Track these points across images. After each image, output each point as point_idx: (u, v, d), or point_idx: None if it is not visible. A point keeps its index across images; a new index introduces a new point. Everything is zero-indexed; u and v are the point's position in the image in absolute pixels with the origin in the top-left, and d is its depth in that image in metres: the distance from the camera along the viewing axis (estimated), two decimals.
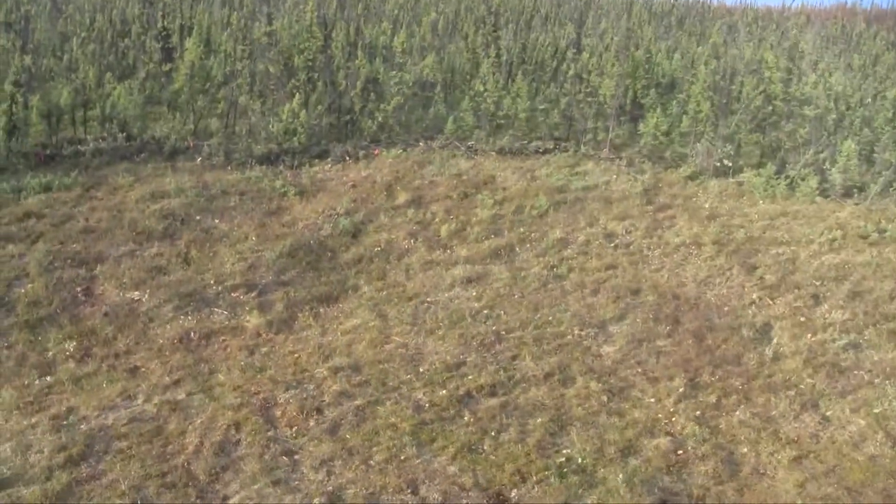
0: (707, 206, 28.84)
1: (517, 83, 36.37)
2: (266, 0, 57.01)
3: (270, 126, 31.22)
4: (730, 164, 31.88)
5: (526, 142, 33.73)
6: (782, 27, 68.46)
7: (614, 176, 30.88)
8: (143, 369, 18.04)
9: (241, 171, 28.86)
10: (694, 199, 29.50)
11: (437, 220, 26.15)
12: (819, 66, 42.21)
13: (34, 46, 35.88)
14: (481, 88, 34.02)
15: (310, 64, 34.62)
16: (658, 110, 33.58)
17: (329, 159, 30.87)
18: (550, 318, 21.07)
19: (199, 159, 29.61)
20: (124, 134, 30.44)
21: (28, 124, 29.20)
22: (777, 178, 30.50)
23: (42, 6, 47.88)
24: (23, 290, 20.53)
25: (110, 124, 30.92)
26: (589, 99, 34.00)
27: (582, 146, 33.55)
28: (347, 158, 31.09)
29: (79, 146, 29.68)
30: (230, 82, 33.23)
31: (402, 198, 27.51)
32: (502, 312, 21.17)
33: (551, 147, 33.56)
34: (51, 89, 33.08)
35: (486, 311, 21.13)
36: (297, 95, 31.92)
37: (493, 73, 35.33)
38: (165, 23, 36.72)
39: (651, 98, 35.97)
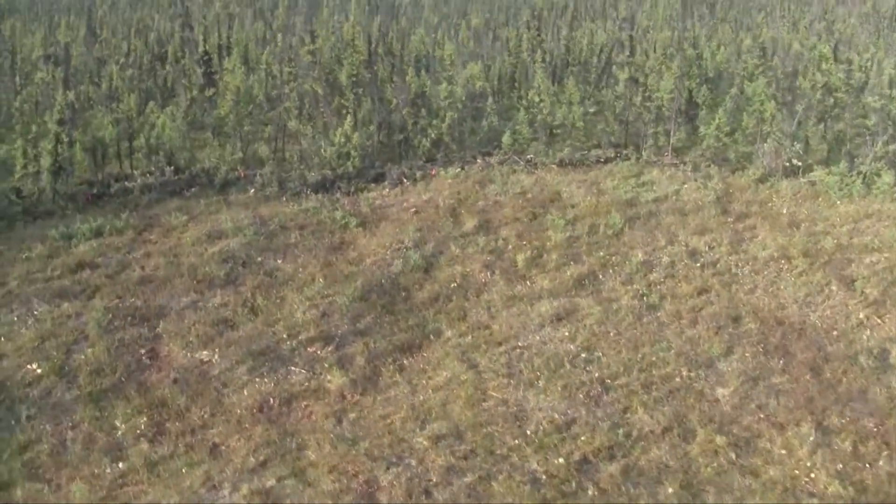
0: (785, 211, 27.13)
1: (568, 89, 34.72)
2: (297, 11, 55.70)
3: (323, 151, 29.68)
4: (799, 164, 30.18)
5: (585, 151, 32.07)
6: (817, 6, 66.28)
7: (683, 184, 29.20)
8: (223, 447, 16.47)
9: (296, 202, 27.39)
10: (769, 204, 27.78)
11: (510, 247, 24.49)
12: (859, 48, 40.39)
13: (73, 76, 34.52)
14: (536, 98, 32.30)
15: (354, 79, 33.15)
16: (719, 111, 31.76)
17: (385, 183, 29.35)
18: (654, 357, 19.39)
19: (251, 190, 28.19)
20: (172, 167, 29.05)
21: (73, 163, 27.83)
22: (851, 176, 28.82)
23: (75, 31, 46.67)
24: (83, 357, 19.07)
25: (156, 156, 29.58)
26: (647, 103, 32.23)
27: (643, 152, 31.85)
28: (404, 180, 29.56)
29: (126, 182, 28.32)
30: (276, 106, 31.73)
31: (469, 223, 25.89)
32: (601, 354, 19.48)
33: (612, 155, 31.91)
34: (91, 119, 31.80)
35: (583, 355, 19.43)
36: (349, 117, 30.29)
37: (543, 80, 33.52)
38: (207, 46, 35.25)
39: (704, 95, 34.17)
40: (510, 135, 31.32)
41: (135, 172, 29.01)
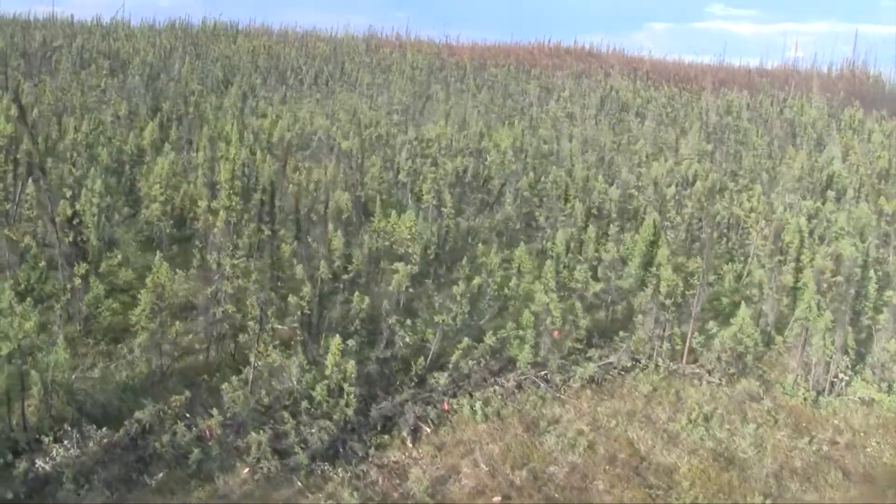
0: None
1: (519, 255, 28.42)
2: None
3: (314, 391, 21.15)
4: (846, 378, 26.17)
5: (597, 359, 25.88)
6: None
7: (746, 415, 24.40)
8: None
9: (319, 489, 19.13)
10: (868, 449, 23.50)
11: None
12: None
13: None
14: (544, 299, 25.44)
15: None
16: (741, 308, 26.85)
17: (403, 433, 21.49)
18: None
19: (245, 470, 19.23)
20: (102, 429, 19.39)
21: None
22: None
23: None
24: None
25: (56, 396, 19.91)
26: (667, 301, 26.53)
27: (659, 360, 26.21)
28: (421, 426, 21.90)
29: (39, 461, 18.50)
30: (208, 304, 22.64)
31: None
32: None
33: (628, 364, 25.93)
34: None
35: None
36: (336, 337, 21.82)
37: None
38: (78, 204, 24.67)
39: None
40: (531, 350, 24.36)
41: (46, 440, 18.90)
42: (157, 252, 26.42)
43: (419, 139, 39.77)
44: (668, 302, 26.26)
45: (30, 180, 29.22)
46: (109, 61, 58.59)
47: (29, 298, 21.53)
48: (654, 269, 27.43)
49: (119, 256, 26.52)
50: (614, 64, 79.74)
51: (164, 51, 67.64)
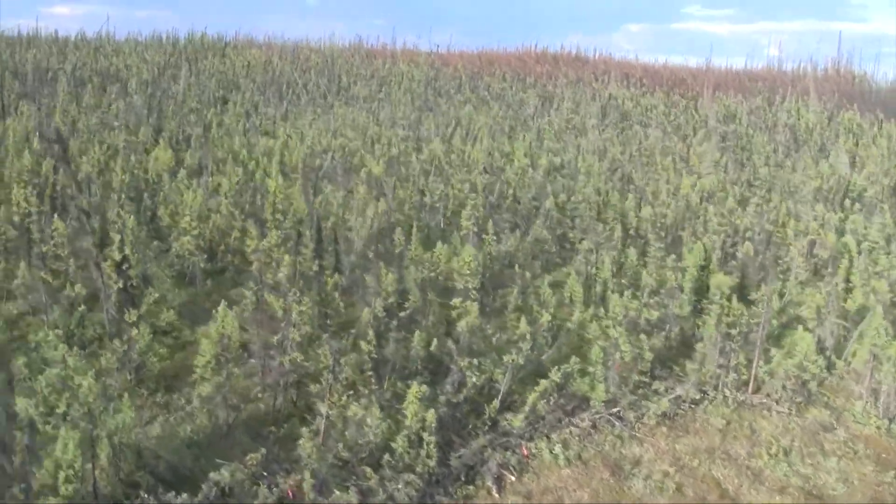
0: None
1: (570, 285, 27.70)
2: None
3: (394, 443, 20.21)
4: None
5: (664, 392, 25.13)
6: None
7: (823, 448, 23.60)
8: None
9: None
10: None
11: None
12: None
13: None
14: (615, 334, 24.62)
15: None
16: (805, 335, 26.20)
17: (488, 481, 20.59)
18: None
19: None
20: (182, 495, 18.28)
21: None
22: None
23: None
24: None
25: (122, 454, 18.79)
26: (731, 331, 25.77)
27: (725, 390, 25.50)
28: (504, 473, 21.06)
29: None
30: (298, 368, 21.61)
31: None
32: None
33: (696, 396, 25.19)
34: None
35: None
36: (413, 384, 20.92)
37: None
38: (126, 247, 23.56)
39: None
40: (604, 388, 23.56)
41: None
42: (191, 287, 25.71)
43: (448, 161, 38.74)
44: (733, 332, 25.48)
45: (55, 216, 28.15)
46: (117, 85, 56.95)
47: (75, 347, 20.43)
48: (712, 296, 26.61)
49: (155, 295, 25.17)
50: (609, 70, 79.35)
51: (158, 67, 66.16)
